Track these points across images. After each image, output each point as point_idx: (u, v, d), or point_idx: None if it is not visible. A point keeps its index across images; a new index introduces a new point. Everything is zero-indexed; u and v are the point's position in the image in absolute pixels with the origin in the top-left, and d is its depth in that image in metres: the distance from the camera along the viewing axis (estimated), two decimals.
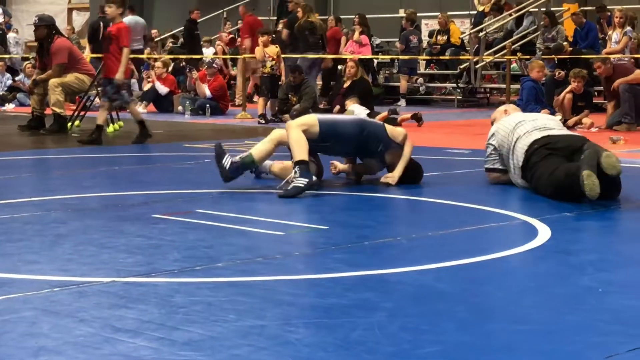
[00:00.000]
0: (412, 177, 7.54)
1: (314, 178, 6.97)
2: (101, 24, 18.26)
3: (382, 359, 3.23)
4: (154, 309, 3.81)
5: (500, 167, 7.44)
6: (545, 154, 6.81)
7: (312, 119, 7.27)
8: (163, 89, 17.26)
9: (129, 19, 18.80)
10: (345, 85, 14.61)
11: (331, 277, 4.39)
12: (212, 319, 3.66)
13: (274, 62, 15.11)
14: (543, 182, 6.72)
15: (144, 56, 19.59)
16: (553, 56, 15.73)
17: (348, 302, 3.92)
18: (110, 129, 12.66)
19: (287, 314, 3.76)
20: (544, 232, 5.46)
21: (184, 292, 4.10)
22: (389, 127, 7.55)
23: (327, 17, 21.88)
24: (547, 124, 7.21)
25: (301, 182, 6.71)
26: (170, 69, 18.23)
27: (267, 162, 7.48)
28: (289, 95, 14.91)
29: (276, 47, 15.49)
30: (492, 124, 7.75)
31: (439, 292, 4.14)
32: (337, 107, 14.16)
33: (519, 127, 7.18)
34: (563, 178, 6.51)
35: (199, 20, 21.19)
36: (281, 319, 3.69)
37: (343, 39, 19.13)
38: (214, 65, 17.38)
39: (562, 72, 14.40)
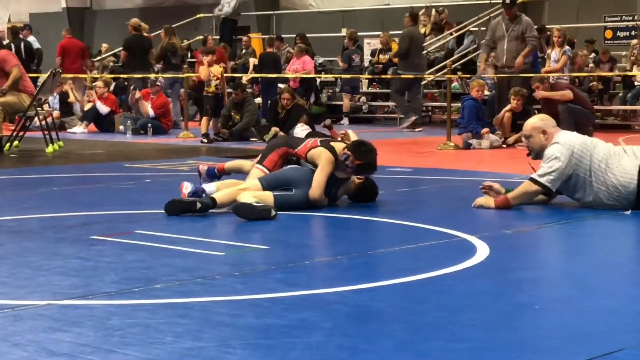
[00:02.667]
0: (367, 195, 7.57)
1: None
2: (12, 45, 18.78)
3: None
4: (90, 332, 3.77)
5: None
6: None
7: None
8: (104, 109, 17.14)
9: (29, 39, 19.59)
10: (281, 115, 14.62)
11: (270, 297, 4.37)
12: (149, 341, 3.63)
13: (218, 81, 15.13)
14: None
15: (85, 76, 19.48)
16: (493, 75, 15.89)
17: (286, 322, 3.91)
18: (50, 149, 12.52)
19: (225, 335, 3.74)
20: (482, 250, 5.50)
21: (121, 315, 4.06)
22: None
23: (268, 35, 21.96)
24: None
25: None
26: (111, 88, 18.13)
27: (212, 188, 7.32)
28: (232, 113, 14.92)
29: (220, 66, 15.52)
30: (526, 138, 7.31)
31: (377, 311, 4.15)
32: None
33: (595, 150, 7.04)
34: None
35: None
36: (219, 340, 3.67)
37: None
38: (158, 83, 17.32)
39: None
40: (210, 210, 6.89)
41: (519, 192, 7.16)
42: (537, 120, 7.32)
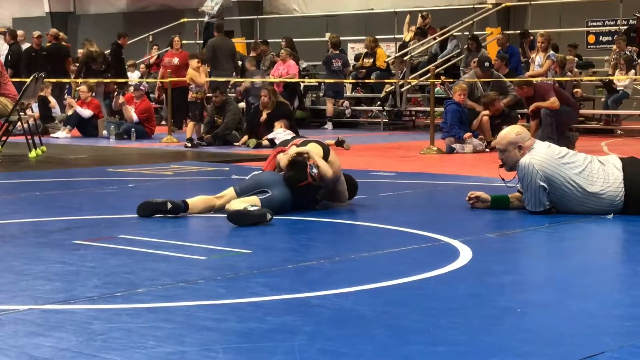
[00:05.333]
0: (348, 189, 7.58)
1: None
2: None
3: None
4: (71, 337, 3.76)
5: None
6: None
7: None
8: (85, 112, 17.08)
9: None
10: (263, 116, 14.59)
11: (252, 302, 4.37)
12: (131, 346, 3.62)
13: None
14: None
15: (68, 80, 19.44)
16: (476, 80, 15.94)
17: (268, 326, 3.91)
18: (33, 154, 12.48)
19: (207, 340, 3.73)
20: (465, 254, 5.52)
21: (103, 319, 4.05)
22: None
23: (253, 40, 21.96)
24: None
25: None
26: (94, 93, 18.11)
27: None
28: (215, 118, 14.92)
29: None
30: (501, 152, 7.20)
31: (359, 315, 4.15)
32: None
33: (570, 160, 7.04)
34: None
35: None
36: (201, 344, 3.66)
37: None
38: (141, 87, 17.31)
39: None
40: (182, 214, 6.91)
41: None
42: (514, 135, 7.12)
